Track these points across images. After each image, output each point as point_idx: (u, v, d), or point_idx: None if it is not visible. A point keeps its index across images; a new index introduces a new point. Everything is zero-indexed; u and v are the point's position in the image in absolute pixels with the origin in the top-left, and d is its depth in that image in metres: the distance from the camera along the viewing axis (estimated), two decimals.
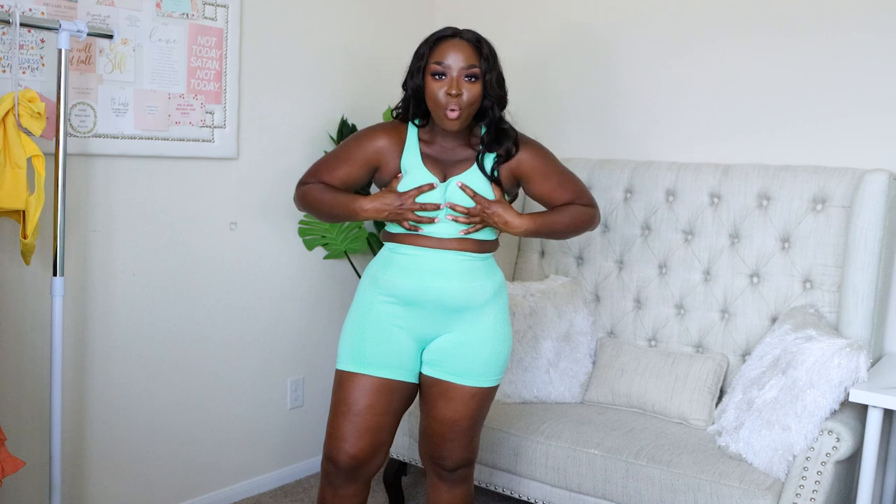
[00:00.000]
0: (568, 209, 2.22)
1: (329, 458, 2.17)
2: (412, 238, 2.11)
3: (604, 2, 3.29)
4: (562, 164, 2.25)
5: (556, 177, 2.21)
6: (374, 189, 3.27)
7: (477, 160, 2.14)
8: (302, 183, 2.24)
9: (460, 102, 2.04)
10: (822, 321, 2.63)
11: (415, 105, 2.15)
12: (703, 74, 3.08)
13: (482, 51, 2.07)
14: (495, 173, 2.14)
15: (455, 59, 2.04)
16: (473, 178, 2.12)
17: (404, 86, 2.16)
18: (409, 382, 2.18)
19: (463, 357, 2.15)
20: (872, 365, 2.46)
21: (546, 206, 2.24)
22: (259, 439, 3.14)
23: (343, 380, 2.16)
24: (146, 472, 2.79)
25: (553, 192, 2.21)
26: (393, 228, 2.16)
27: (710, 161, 3.02)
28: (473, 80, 2.05)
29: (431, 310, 2.12)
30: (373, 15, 3.38)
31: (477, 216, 2.10)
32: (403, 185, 2.11)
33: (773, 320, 2.77)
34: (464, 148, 2.15)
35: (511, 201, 2.20)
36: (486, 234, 2.15)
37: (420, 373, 2.20)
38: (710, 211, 2.91)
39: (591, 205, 2.25)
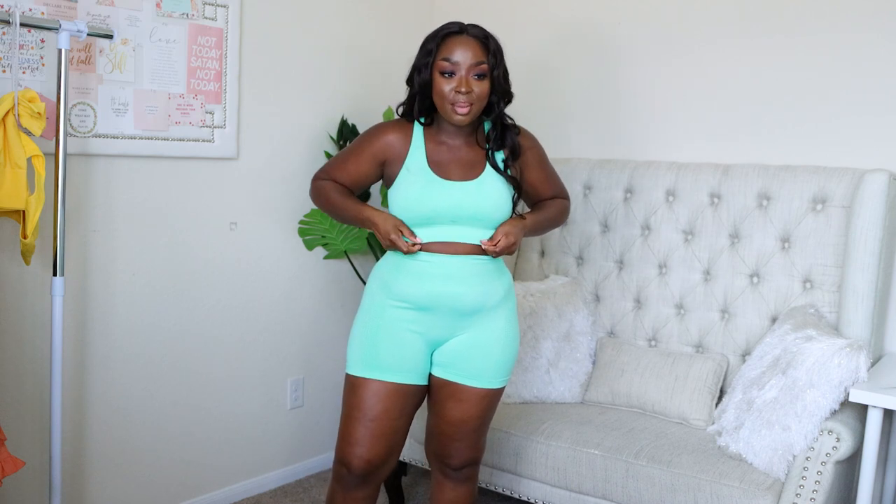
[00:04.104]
0: (552, 204, 2.33)
1: (343, 462, 2.16)
2: (423, 244, 2.11)
3: (603, 1, 3.29)
4: (548, 158, 2.33)
5: (547, 169, 2.30)
6: (375, 195, 3.29)
7: (488, 158, 2.15)
8: (316, 178, 2.27)
9: (470, 98, 2.05)
10: (822, 321, 2.63)
11: (420, 101, 2.14)
12: (704, 74, 3.08)
13: (489, 46, 2.08)
14: (508, 171, 2.15)
15: (463, 56, 2.05)
16: (491, 179, 2.13)
17: (409, 81, 2.16)
18: (420, 385, 2.18)
19: (474, 359, 2.16)
20: (872, 365, 2.46)
21: (533, 195, 2.31)
22: (259, 439, 3.14)
23: (355, 385, 2.15)
24: (146, 472, 2.79)
25: (543, 183, 2.30)
26: None
27: (710, 161, 3.02)
28: (482, 77, 2.06)
29: (445, 314, 2.12)
30: (373, 15, 3.38)
31: (504, 247, 2.10)
32: (406, 185, 2.11)
33: (773, 320, 2.77)
34: (471, 146, 2.16)
35: (518, 189, 2.19)
36: None
37: (430, 374, 2.20)
38: (710, 211, 2.91)
39: (567, 198, 2.38)
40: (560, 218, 2.35)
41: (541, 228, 2.30)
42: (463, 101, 2.05)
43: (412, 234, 2.09)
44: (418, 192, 2.09)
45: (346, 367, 2.19)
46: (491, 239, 2.11)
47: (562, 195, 2.36)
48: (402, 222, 2.10)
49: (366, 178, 2.22)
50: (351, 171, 2.21)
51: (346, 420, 2.17)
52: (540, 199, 2.32)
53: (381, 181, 2.25)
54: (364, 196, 3.23)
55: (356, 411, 2.13)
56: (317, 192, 2.26)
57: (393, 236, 2.07)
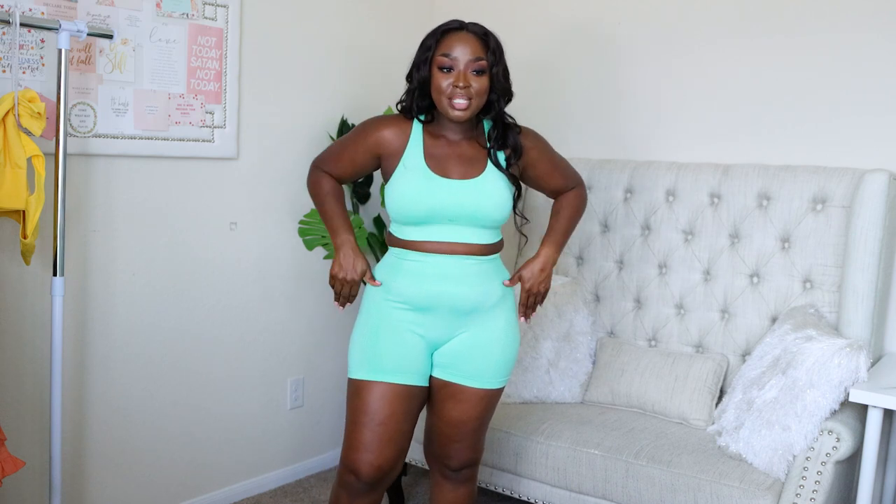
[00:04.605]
0: (567, 208, 2.31)
1: (351, 470, 2.12)
2: (419, 244, 2.10)
3: (603, 1, 3.29)
4: (552, 148, 2.31)
5: (551, 162, 2.28)
6: (376, 195, 3.29)
7: (490, 157, 2.14)
8: (315, 166, 2.27)
9: (468, 93, 2.04)
10: (822, 321, 2.63)
11: (419, 97, 2.14)
12: (704, 74, 3.08)
13: (489, 44, 2.07)
14: (510, 170, 2.15)
15: (462, 52, 2.04)
16: (492, 178, 2.12)
17: (409, 77, 2.15)
18: (422, 387, 2.17)
19: (473, 360, 2.15)
20: (872, 365, 2.46)
21: (546, 190, 2.32)
22: (259, 439, 3.14)
23: (360, 389, 2.12)
24: (146, 472, 2.79)
25: (548, 175, 2.28)
26: (398, 233, 2.14)
27: (710, 161, 3.02)
28: (480, 73, 2.05)
29: (444, 314, 2.12)
30: (373, 15, 3.38)
31: (532, 300, 2.24)
32: (403, 182, 2.10)
33: (773, 320, 2.77)
34: (471, 144, 2.15)
35: (518, 191, 2.19)
36: (491, 237, 2.15)
37: (430, 375, 2.20)
38: (710, 211, 2.91)
39: (578, 185, 2.35)
40: (579, 214, 2.34)
41: (566, 239, 2.32)
42: (461, 96, 2.04)
43: (372, 278, 2.18)
44: (415, 190, 2.07)
45: (348, 373, 2.17)
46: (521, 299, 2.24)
47: (572, 182, 2.32)
48: (367, 269, 2.18)
49: (362, 169, 2.23)
50: (346, 164, 2.21)
51: (353, 426, 2.13)
52: (552, 190, 2.31)
53: (382, 173, 2.24)
54: (366, 182, 3.23)
55: (362, 416, 2.10)
56: (313, 185, 2.27)
57: (339, 286, 2.18)
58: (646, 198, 3.03)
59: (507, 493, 2.75)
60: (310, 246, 3.16)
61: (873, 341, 2.60)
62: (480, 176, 2.11)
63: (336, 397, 3.39)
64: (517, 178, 2.17)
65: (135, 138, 2.61)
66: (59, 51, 2.25)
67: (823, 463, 2.28)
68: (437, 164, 2.11)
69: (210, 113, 2.81)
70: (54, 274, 2.32)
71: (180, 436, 2.87)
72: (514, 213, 2.23)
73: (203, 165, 2.84)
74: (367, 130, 2.17)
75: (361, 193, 3.25)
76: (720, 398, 2.79)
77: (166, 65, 2.66)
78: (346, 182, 2.28)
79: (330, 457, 3.40)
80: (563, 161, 2.32)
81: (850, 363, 2.28)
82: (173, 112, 2.70)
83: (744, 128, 3.01)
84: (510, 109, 2.20)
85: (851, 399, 2.23)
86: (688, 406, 2.74)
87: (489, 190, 2.10)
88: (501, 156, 2.15)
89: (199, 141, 2.79)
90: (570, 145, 3.36)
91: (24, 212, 2.20)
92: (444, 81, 2.05)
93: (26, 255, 2.27)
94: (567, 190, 2.32)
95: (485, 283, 2.13)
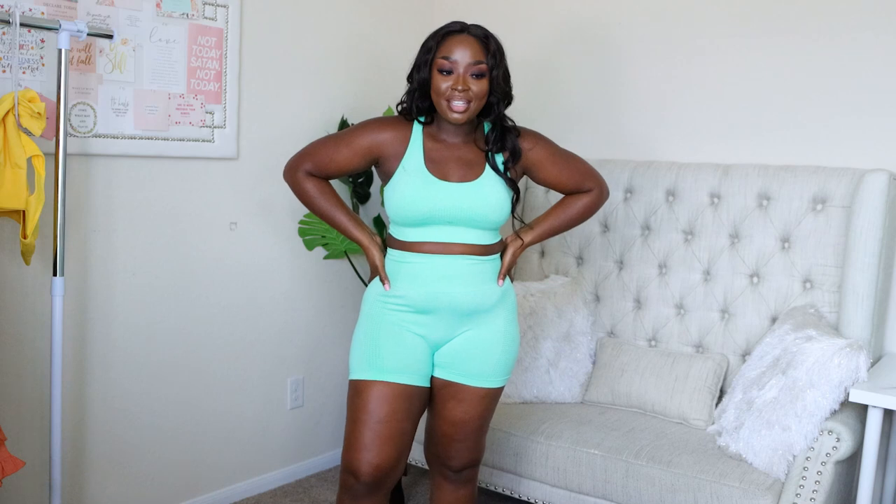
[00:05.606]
0: (566, 208, 2.30)
1: (350, 470, 2.10)
2: (419, 244, 2.10)
3: (604, 1, 3.29)
4: (561, 148, 2.28)
5: (560, 162, 2.25)
6: (376, 195, 3.29)
7: (487, 160, 2.14)
8: (296, 166, 2.19)
9: (467, 96, 2.04)
10: (822, 321, 2.63)
11: (419, 98, 2.13)
12: (704, 74, 3.08)
13: (489, 47, 2.07)
14: (507, 174, 2.14)
15: (462, 55, 2.04)
16: (490, 181, 2.12)
17: (409, 78, 2.15)
18: (423, 387, 2.17)
19: (474, 359, 2.15)
20: (872, 365, 2.47)
21: (553, 189, 2.31)
22: (259, 439, 3.14)
23: (360, 389, 2.12)
24: (146, 472, 2.79)
25: (559, 177, 2.25)
26: (398, 234, 2.14)
27: (710, 161, 3.03)
28: (480, 76, 2.05)
29: (443, 315, 2.12)
30: (373, 14, 3.38)
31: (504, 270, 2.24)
32: (402, 185, 2.10)
33: (773, 320, 2.77)
34: (470, 147, 2.15)
35: (516, 194, 2.19)
36: (490, 237, 2.15)
37: (431, 376, 2.19)
38: (710, 211, 2.91)
39: (594, 187, 2.30)
40: (582, 216, 2.31)
41: (552, 234, 2.31)
42: (459, 98, 2.04)
43: (386, 279, 2.16)
44: (414, 192, 2.08)
45: (349, 375, 2.17)
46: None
47: (589, 185, 2.28)
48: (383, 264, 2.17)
49: (355, 170, 2.19)
50: (341, 164, 2.16)
51: (352, 425, 2.12)
52: (565, 191, 2.29)
53: (380, 175, 2.23)
54: (366, 182, 3.23)
55: (362, 414, 2.10)
56: (303, 195, 2.21)
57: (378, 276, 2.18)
58: (646, 198, 3.03)
59: (508, 493, 2.75)
60: (310, 246, 3.17)
61: (873, 341, 2.60)
62: (479, 179, 2.11)
63: (336, 397, 3.39)
64: (514, 181, 2.17)
65: (135, 138, 2.61)
66: (59, 51, 2.25)
67: (823, 463, 2.28)
68: (437, 167, 2.11)
69: (210, 113, 2.81)
70: (54, 274, 2.32)
71: (180, 436, 2.87)
72: (513, 216, 2.23)
73: (203, 165, 2.84)
74: (367, 132, 2.16)
75: (361, 193, 3.25)
76: (720, 398, 2.79)
77: (166, 65, 2.66)
78: (330, 179, 2.23)
79: (330, 457, 3.40)
80: (576, 163, 2.28)
81: (850, 363, 2.28)
82: (173, 112, 2.70)
83: (744, 128, 3.01)
84: (511, 108, 2.20)
85: (851, 399, 2.23)
86: (688, 406, 2.74)
87: (487, 193, 2.10)
88: (500, 158, 2.15)
89: (199, 141, 2.79)
90: (570, 145, 3.32)
91: (24, 212, 2.20)
92: (443, 84, 2.05)
93: (26, 255, 2.27)
94: (581, 191, 2.29)
95: (484, 282, 2.13)
